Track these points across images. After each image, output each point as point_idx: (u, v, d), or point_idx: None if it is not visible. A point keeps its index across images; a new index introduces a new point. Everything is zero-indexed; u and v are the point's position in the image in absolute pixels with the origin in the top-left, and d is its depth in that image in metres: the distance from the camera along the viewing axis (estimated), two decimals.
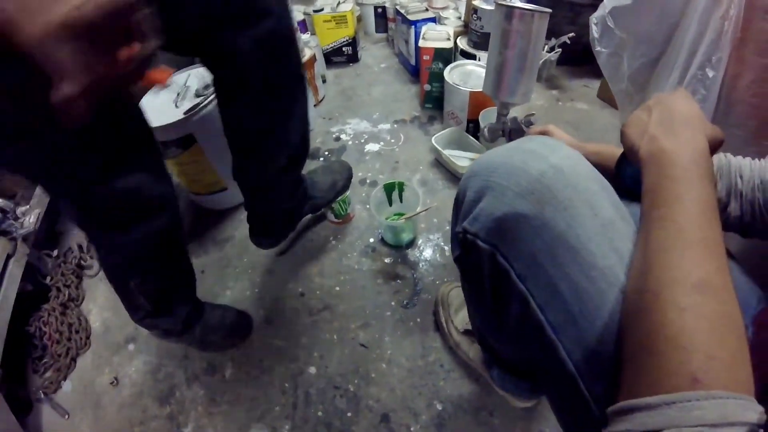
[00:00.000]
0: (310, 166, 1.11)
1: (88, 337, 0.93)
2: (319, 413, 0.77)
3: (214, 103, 0.88)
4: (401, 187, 0.95)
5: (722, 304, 0.28)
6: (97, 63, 0.30)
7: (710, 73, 0.73)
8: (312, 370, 0.83)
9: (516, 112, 0.79)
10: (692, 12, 0.74)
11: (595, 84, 1.36)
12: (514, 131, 0.77)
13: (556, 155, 0.38)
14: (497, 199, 0.38)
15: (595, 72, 1.40)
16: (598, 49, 0.91)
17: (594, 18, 0.90)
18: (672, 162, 0.35)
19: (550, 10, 0.67)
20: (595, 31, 0.90)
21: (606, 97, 1.30)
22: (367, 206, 1.07)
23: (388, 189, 0.96)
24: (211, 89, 0.91)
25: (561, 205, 0.36)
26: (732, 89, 0.74)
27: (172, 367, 0.86)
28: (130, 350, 0.90)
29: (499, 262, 0.38)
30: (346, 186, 0.98)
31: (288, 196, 0.83)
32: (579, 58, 1.42)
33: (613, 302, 0.34)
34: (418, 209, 0.88)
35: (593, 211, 0.36)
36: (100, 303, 0.99)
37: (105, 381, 0.86)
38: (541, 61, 0.80)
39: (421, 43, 1.16)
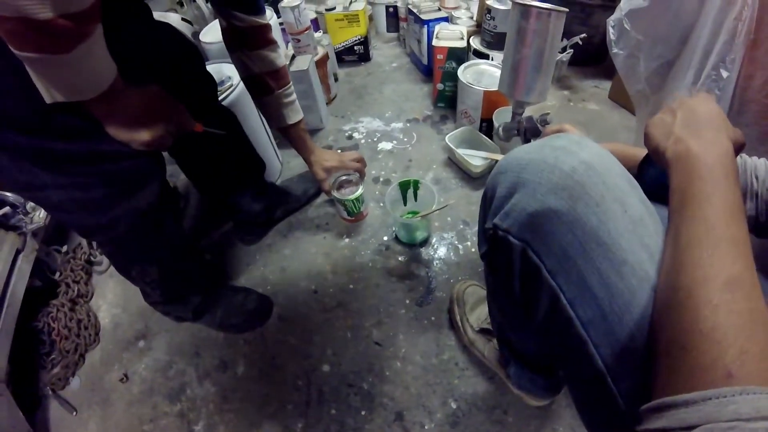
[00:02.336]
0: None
1: (97, 334, 0.92)
2: (333, 411, 0.76)
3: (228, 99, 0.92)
4: (416, 185, 0.95)
5: (751, 300, 0.29)
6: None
7: (724, 74, 0.73)
8: (325, 367, 0.82)
9: (530, 112, 0.79)
10: (706, 14, 0.75)
11: (606, 85, 1.36)
12: (529, 130, 0.76)
13: (586, 151, 0.38)
14: (529, 195, 0.38)
15: (606, 73, 1.42)
16: (615, 51, 0.91)
17: (611, 20, 0.91)
18: (699, 162, 0.36)
19: (566, 10, 0.67)
20: (612, 33, 0.91)
21: (617, 98, 1.30)
22: (381, 204, 1.07)
23: (403, 187, 0.95)
24: (227, 84, 0.93)
25: (592, 201, 0.36)
26: (745, 89, 0.75)
27: (183, 365, 0.85)
28: (140, 347, 0.89)
29: (530, 258, 0.38)
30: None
31: (253, 199, 0.96)
32: (590, 59, 1.42)
33: (644, 299, 0.34)
34: (434, 207, 0.87)
35: (623, 208, 0.36)
36: (110, 299, 0.98)
37: (114, 378, 0.85)
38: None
39: (434, 42, 1.16)
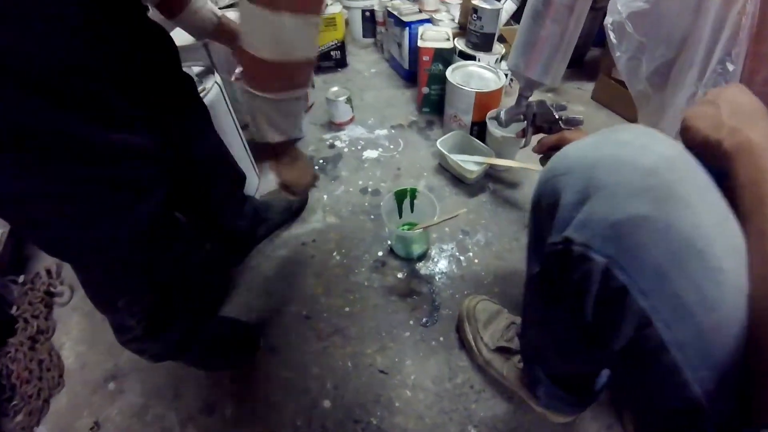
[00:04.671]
0: None
1: (61, 375, 0.79)
2: None
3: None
4: (413, 194, 0.88)
5: None
6: None
7: (730, 67, 0.73)
8: (326, 403, 0.72)
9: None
10: (708, 10, 0.74)
11: (588, 86, 1.36)
12: (540, 115, 0.71)
13: (662, 145, 0.33)
14: (610, 199, 0.32)
15: (587, 74, 1.42)
16: (618, 54, 0.90)
17: (609, 24, 0.89)
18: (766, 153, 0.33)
19: None
20: (613, 37, 0.89)
21: (600, 99, 1.30)
22: (372, 216, 0.99)
23: (399, 196, 0.88)
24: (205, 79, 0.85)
25: (681, 202, 0.31)
26: (749, 84, 0.74)
27: (161, 408, 0.73)
28: (111, 389, 0.77)
29: (615, 277, 0.32)
30: (301, 208, 1.02)
31: (234, 215, 0.88)
32: (571, 62, 1.42)
33: (741, 309, 0.30)
34: (438, 218, 0.81)
35: (710, 207, 0.32)
36: (74, 335, 0.85)
37: (84, 425, 0.72)
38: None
39: (420, 44, 1.11)
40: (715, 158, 0.37)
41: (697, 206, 0.31)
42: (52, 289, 0.91)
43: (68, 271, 0.94)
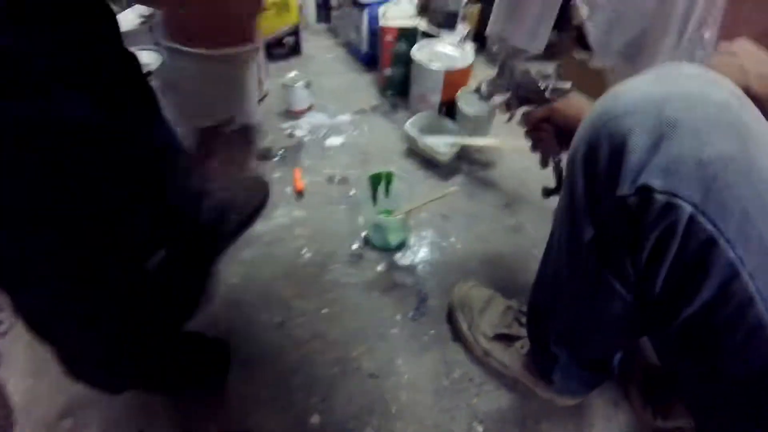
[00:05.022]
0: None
1: (9, 416, 0.65)
2: None
3: None
4: (389, 178, 0.81)
5: None
6: None
7: (706, 34, 0.73)
8: (315, 418, 0.64)
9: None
10: None
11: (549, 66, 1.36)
12: (523, 86, 0.67)
13: (726, 80, 0.30)
14: (693, 138, 0.27)
15: (548, 56, 1.42)
16: (589, 27, 0.88)
17: None
18: None
19: None
20: (585, 11, 0.87)
21: (569, 77, 1.30)
22: (342, 206, 0.91)
23: (374, 181, 0.81)
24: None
25: (759, 139, 0.28)
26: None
27: None
28: (67, 427, 0.63)
29: (702, 226, 0.28)
30: (263, 202, 0.90)
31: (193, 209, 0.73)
32: None
33: None
34: (426, 199, 0.74)
35: None
36: (19, 368, 0.70)
37: None
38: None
39: (382, 23, 1.04)
40: None
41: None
42: None
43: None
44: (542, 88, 0.66)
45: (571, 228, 0.38)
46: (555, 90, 0.68)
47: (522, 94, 0.68)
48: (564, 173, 0.41)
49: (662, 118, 0.28)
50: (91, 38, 0.40)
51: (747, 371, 0.31)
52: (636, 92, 0.31)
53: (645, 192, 0.29)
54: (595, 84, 0.99)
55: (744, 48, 0.42)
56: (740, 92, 0.30)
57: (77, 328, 0.47)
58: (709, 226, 0.27)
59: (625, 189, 0.30)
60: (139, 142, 0.56)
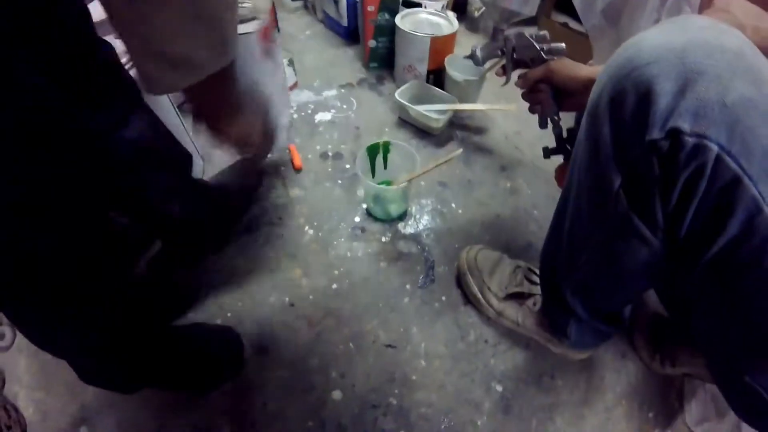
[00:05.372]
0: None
1: (24, 431, 0.62)
2: None
3: None
4: (386, 148, 0.79)
5: None
6: None
7: None
8: (336, 395, 0.63)
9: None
10: None
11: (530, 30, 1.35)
12: (519, 49, 0.66)
13: (736, 30, 0.32)
14: (717, 83, 0.28)
15: (527, 20, 1.41)
16: None
17: None
18: None
19: None
20: None
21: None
22: (339, 182, 0.89)
23: (372, 152, 0.79)
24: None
25: None
26: (708, 7, 0.76)
27: None
28: None
29: (728, 166, 0.29)
30: (257, 185, 0.88)
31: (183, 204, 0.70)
32: None
33: None
34: (429, 165, 0.72)
35: None
36: (27, 382, 0.66)
37: None
38: None
39: None
40: None
41: None
42: None
43: None
44: (539, 48, 0.65)
45: (595, 178, 0.38)
46: (551, 50, 0.67)
47: (518, 57, 0.67)
48: (581, 126, 0.40)
49: (686, 65, 0.29)
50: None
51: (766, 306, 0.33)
52: (656, 41, 0.31)
53: (675, 135, 0.29)
54: (576, 45, 0.99)
55: (738, 4, 0.42)
56: (749, 41, 0.31)
57: (74, 338, 0.45)
58: (734, 165, 0.29)
59: (655, 133, 0.30)
60: (103, 134, 0.52)
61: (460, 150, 0.73)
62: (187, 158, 0.70)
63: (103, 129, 0.53)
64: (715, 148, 0.29)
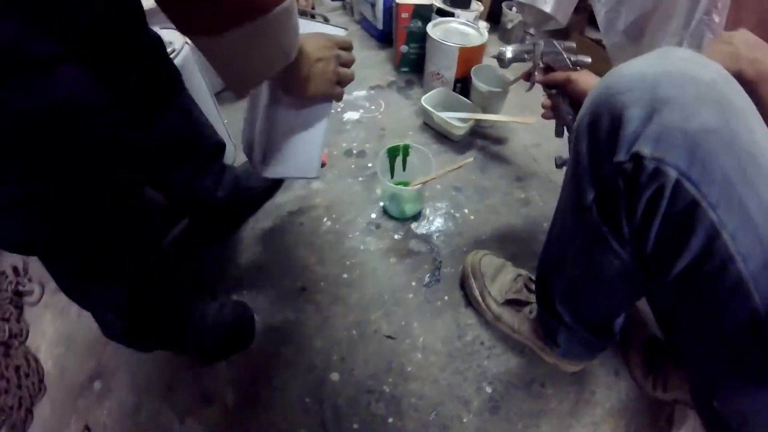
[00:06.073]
0: None
1: (41, 381, 0.70)
2: (355, 425, 0.64)
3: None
4: (406, 150, 0.83)
5: None
6: None
7: (716, 18, 0.74)
8: (335, 377, 0.68)
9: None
10: None
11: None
12: (547, 55, 0.68)
13: (714, 63, 0.34)
14: (680, 112, 0.31)
15: (562, 34, 1.41)
16: (598, 7, 0.89)
17: None
18: None
19: None
20: None
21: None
22: (360, 179, 0.94)
23: (392, 153, 0.83)
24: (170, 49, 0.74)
25: (741, 114, 0.32)
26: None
27: (155, 404, 0.66)
28: (98, 390, 0.68)
29: (686, 190, 0.31)
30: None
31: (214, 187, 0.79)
32: None
33: None
34: (441, 171, 0.76)
35: (760, 121, 0.33)
36: (50, 336, 0.75)
37: None
38: None
39: (398, 0, 1.05)
40: None
41: (752, 120, 0.32)
42: (20, 288, 0.81)
43: (37, 267, 0.83)
44: (566, 57, 0.67)
45: (576, 190, 0.41)
46: (576, 62, 0.69)
47: (546, 62, 0.69)
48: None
49: (656, 95, 0.32)
50: (102, 19, 0.41)
51: (733, 325, 0.34)
52: (634, 71, 0.34)
53: (637, 158, 0.32)
54: (604, 62, 1.00)
55: (741, 37, 0.43)
56: (727, 74, 0.33)
57: (103, 295, 0.51)
58: (693, 190, 0.31)
59: (621, 156, 0.33)
60: (147, 123, 0.58)
61: (471, 158, 0.76)
62: (218, 146, 0.76)
63: (158, 102, 0.59)
64: (673, 173, 0.31)
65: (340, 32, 0.60)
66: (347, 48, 0.58)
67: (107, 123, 0.41)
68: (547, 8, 0.65)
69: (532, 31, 0.70)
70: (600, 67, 0.68)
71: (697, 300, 0.36)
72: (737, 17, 0.73)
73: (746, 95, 0.34)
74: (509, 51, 0.71)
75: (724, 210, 0.31)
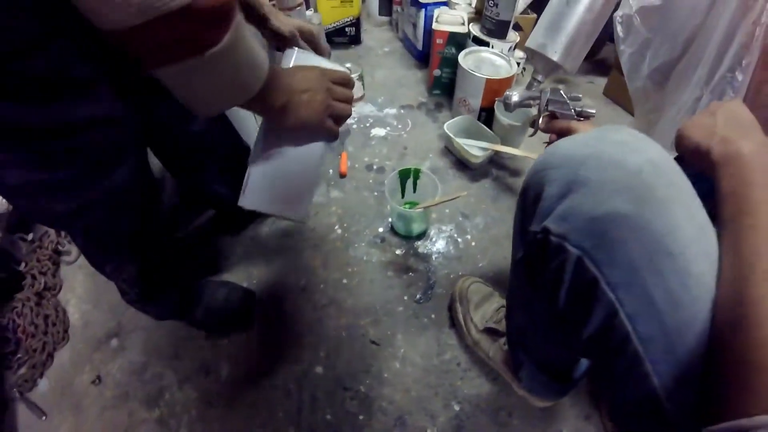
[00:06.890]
0: None
1: (66, 331, 0.82)
2: (328, 416, 0.71)
3: None
4: (417, 174, 0.89)
5: None
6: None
7: (739, 77, 0.73)
8: (318, 370, 0.75)
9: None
10: (719, 14, 0.74)
11: (601, 81, 1.34)
12: (553, 103, 0.71)
13: (652, 149, 0.35)
14: (593, 195, 0.33)
15: (600, 70, 1.41)
16: (622, 48, 0.90)
17: (618, 17, 0.88)
18: (754, 165, 0.34)
19: None
20: (620, 30, 0.89)
21: (612, 95, 1.29)
22: (376, 193, 1.01)
23: (403, 176, 0.89)
24: None
25: (661, 204, 0.32)
26: (757, 94, 0.74)
27: (160, 367, 0.76)
28: (113, 346, 0.80)
29: (587, 268, 0.34)
30: None
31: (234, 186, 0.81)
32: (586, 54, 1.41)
33: (705, 312, 0.32)
34: (437, 198, 0.82)
35: (690, 213, 0.33)
36: (79, 294, 0.88)
37: (86, 380, 0.76)
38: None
39: (434, 26, 1.10)
40: (704, 166, 0.39)
41: (676, 211, 0.32)
42: (59, 248, 0.94)
43: None
44: (571, 107, 0.69)
45: (515, 242, 0.46)
46: (581, 113, 0.71)
47: (550, 111, 0.72)
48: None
49: (576, 177, 0.34)
50: None
51: (632, 401, 0.36)
52: (567, 151, 0.37)
53: (545, 232, 0.36)
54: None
55: (726, 109, 0.41)
56: (665, 160, 0.34)
57: (115, 269, 0.61)
58: (594, 269, 0.33)
59: (535, 226, 0.37)
60: (171, 128, 0.64)
61: (465, 192, 0.80)
62: (244, 148, 0.84)
63: (173, 122, 0.64)
64: (574, 251, 0.33)
65: (338, 68, 0.58)
66: (344, 83, 0.56)
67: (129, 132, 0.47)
68: (555, 57, 0.68)
69: (539, 77, 0.73)
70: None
71: (603, 368, 0.39)
72: (763, 78, 0.72)
73: (683, 183, 0.34)
74: (515, 95, 0.74)
75: (624, 292, 0.32)
